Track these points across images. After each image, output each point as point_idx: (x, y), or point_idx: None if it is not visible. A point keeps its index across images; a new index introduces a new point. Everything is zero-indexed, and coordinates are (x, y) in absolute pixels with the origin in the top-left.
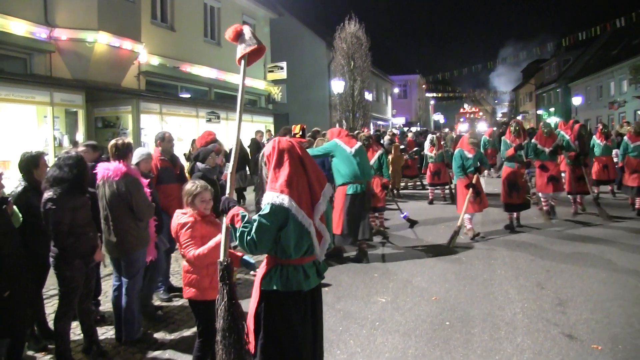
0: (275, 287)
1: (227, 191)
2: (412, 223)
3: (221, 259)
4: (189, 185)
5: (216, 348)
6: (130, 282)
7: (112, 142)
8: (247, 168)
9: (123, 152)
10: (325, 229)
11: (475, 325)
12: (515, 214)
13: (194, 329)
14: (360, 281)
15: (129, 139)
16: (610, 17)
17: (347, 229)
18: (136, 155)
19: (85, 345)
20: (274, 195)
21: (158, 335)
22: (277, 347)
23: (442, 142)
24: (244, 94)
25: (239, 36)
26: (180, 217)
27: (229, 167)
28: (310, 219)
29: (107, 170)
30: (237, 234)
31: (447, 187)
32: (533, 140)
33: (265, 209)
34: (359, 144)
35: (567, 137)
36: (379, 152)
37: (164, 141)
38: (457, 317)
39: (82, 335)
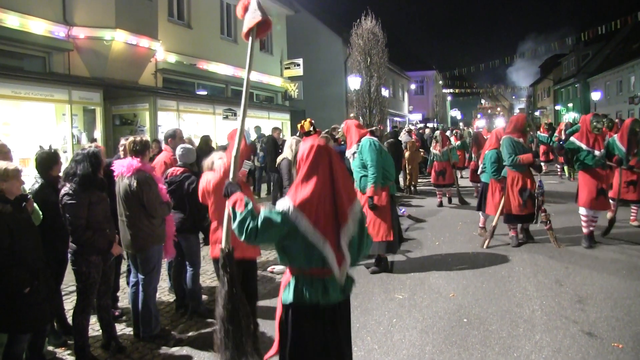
0: (291, 300)
1: (231, 175)
2: (416, 221)
3: (223, 245)
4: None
5: (214, 337)
6: (146, 278)
7: (130, 139)
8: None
9: (140, 149)
10: (347, 251)
11: (493, 323)
12: (519, 226)
13: (209, 328)
14: (377, 278)
15: (147, 137)
16: (631, 10)
17: (396, 235)
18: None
19: (104, 340)
20: (291, 207)
21: (176, 331)
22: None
23: (455, 138)
24: (250, 70)
25: (246, 11)
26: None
27: (247, 164)
28: (325, 238)
29: (122, 166)
30: (239, 218)
31: (452, 188)
32: (572, 139)
33: (278, 212)
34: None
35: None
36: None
37: (175, 139)
38: (474, 314)
39: (100, 331)
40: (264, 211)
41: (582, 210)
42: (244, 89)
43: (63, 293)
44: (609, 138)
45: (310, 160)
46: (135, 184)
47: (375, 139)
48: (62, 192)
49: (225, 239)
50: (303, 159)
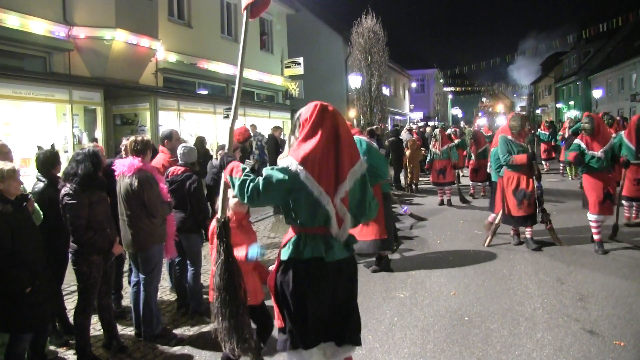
0: (292, 255)
1: (227, 146)
2: (418, 219)
3: (219, 215)
4: None
5: (211, 307)
6: (147, 278)
7: (132, 138)
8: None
9: (141, 149)
10: (347, 211)
11: (494, 321)
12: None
13: (212, 326)
14: (378, 277)
15: (148, 136)
16: (633, 7)
17: (391, 232)
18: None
19: (106, 340)
20: (293, 163)
21: (177, 331)
22: (286, 314)
23: (454, 136)
24: (245, 50)
25: None
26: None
27: (248, 164)
28: (328, 196)
29: (123, 166)
30: (238, 183)
31: (451, 187)
32: (577, 141)
33: (280, 168)
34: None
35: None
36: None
37: (172, 140)
38: (476, 312)
39: (102, 330)
40: (264, 173)
41: (591, 216)
42: (238, 70)
43: (64, 293)
44: (614, 136)
45: (313, 119)
46: (136, 184)
47: (364, 137)
48: (63, 192)
49: (222, 208)
50: (307, 118)
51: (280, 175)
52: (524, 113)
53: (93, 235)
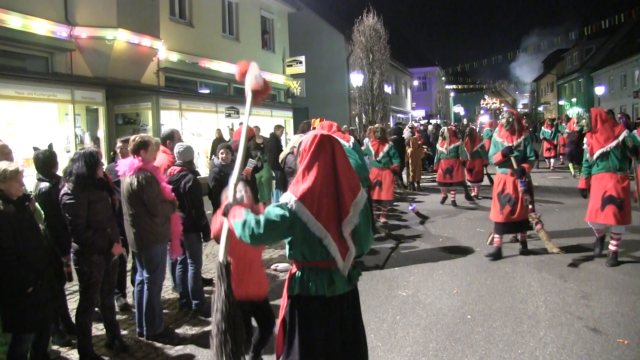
0: (297, 292)
1: (230, 198)
2: (423, 218)
3: (221, 259)
4: None
5: (210, 341)
6: (150, 277)
7: (131, 138)
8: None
9: (135, 149)
10: (351, 242)
11: (497, 319)
12: (512, 236)
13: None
14: (380, 275)
15: (147, 135)
16: (635, 3)
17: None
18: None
19: (108, 340)
20: (292, 199)
21: (179, 330)
22: (297, 355)
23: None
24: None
25: (244, 75)
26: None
27: (251, 163)
28: (327, 231)
29: (125, 166)
30: (240, 227)
31: (456, 188)
32: (585, 147)
33: (280, 205)
34: (352, 139)
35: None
36: (388, 144)
37: (173, 140)
38: (478, 310)
39: (104, 330)
40: (264, 213)
41: (590, 224)
42: (242, 133)
43: (67, 292)
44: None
45: (312, 150)
46: (135, 183)
47: (346, 141)
48: (62, 191)
49: (224, 251)
50: (305, 149)
51: (280, 212)
52: (526, 110)
53: (92, 234)
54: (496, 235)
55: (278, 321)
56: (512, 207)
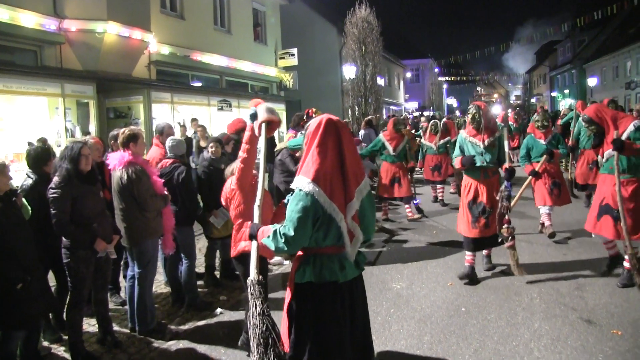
0: (308, 279)
1: (256, 219)
2: (421, 214)
3: (252, 277)
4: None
5: (250, 357)
6: (142, 272)
7: (120, 131)
8: None
9: (124, 142)
10: (358, 227)
11: (491, 311)
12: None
13: (208, 320)
14: (374, 268)
15: (137, 128)
16: None
17: None
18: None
19: (100, 335)
20: (305, 181)
21: (172, 325)
22: (309, 342)
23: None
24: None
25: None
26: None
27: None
28: (342, 213)
29: (115, 159)
30: (272, 240)
31: (443, 186)
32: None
33: (298, 196)
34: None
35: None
36: (405, 139)
37: (164, 134)
38: (473, 302)
39: (97, 325)
40: (287, 216)
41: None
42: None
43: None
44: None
45: (321, 133)
46: (125, 177)
47: None
48: (49, 186)
49: (255, 268)
50: (312, 132)
51: (300, 205)
52: (519, 102)
53: (76, 229)
54: (468, 253)
55: (283, 312)
56: (488, 219)
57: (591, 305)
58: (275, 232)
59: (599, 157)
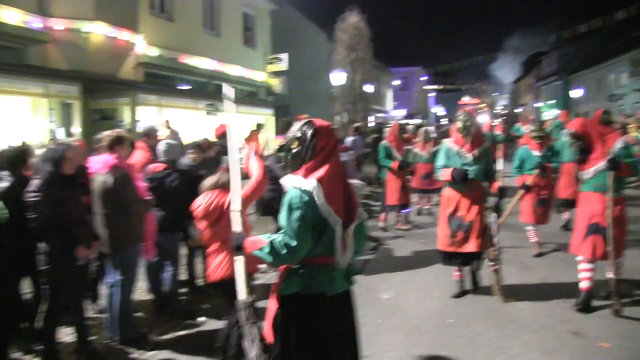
0: (295, 290)
1: (237, 227)
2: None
3: (242, 298)
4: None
5: None
6: (124, 279)
7: (106, 134)
8: None
9: (110, 145)
10: (352, 238)
11: (480, 323)
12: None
13: (189, 330)
14: (361, 278)
15: (123, 131)
16: (611, 9)
17: None
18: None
19: (78, 345)
20: (305, 181)
21: (153, 334)
22: (295, 357)
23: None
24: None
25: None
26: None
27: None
28: (339, 217)
29: (98, 163)
30: (267, 250)
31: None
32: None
33: (294, 198)
34: None
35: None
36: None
37: (150, 137)
38: (461, 314)
39: (74, 334)
40: (284, 224)
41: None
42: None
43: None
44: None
45: (333, 142)
46: (110, 181)
47: None
48: (28, 189)
49: (244, 290)
50: (315, 136)
51: (297, 214)
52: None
53: (57, 235)
54: (454, 267)
55: (266, 326)
56: (466, 233)
57: (579, 317)
58: (271, 246)
59: (582, 172)
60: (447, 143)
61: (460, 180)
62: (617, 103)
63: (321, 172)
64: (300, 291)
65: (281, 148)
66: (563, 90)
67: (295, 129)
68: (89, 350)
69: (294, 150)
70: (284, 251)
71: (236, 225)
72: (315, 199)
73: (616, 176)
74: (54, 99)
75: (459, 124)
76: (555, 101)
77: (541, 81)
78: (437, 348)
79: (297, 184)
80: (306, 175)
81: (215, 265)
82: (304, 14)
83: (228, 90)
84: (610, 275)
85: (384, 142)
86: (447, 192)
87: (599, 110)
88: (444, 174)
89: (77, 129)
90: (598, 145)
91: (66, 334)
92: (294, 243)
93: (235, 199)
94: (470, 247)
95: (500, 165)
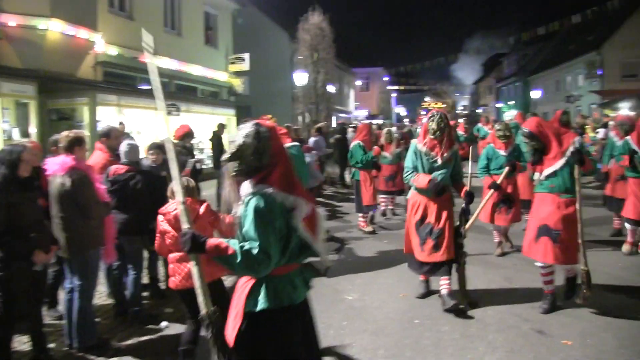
0: (264, 306)
1: (184, 224)
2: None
3: (203, 312)
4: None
5: None
6: (83, 284)
7: (63, 134)
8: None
9: (68, 146)
10: (310, 235)
11: (445, 323)
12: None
13: (151, 335)
14: (325, 279)
15: (81, 132)
16: (569, 12)
17: None
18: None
19: (34, 354)
20: (259, 185)
21: (114, 340)
22: None
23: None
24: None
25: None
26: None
27: (190, 163)
28: (305, 201)
29: (55, 165)
30: (238, 259)
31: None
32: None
33: (257, 200)
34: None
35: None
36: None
37: (110, 138)
38: (426, 314)
39: (29, 343)
40: (245, 228)
41: (539, 262)
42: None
43: None
44: (618, 140)
45: (277, 141)
46: (69, 183)
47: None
48: None
49: (204, 300)
50: (269, 138)
51: (263, 203)
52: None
53: (11, 240)
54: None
55: (229, 341)
56: (436, 241)
57: (542, 316)
58: (246, 252)
59: (536, 174)
60: (416, 144)
61: (434, 195)
62: (575, 104)
63: (278, 173)
64: (270, 306)
65: (235, 155)
66: (523, 91)
67: (245, 134)
68: (46, 359)
69: (250, 157)
70: (252, 258)
71: (183, 221)
72: (280, 200)
73: (578, 170)
74: (7, 98)
75: (433, 125)
76: (514, 102)
77: (501, 82)
78: (403, 349)
79: (259, 191)
80: (265, 180)
81: (185, 274)
82: (266, 14)
83: (147, 37)
84: (580, 267)
85: (357, 142)
86: (414, 197)
87: (558, 111)
88: (419, 182)
89: (33, 129)
90: (554, 146)
91: (22, 343)
92: (267, 252)
93: (177, 188)
94: (440, 256)
95: (469, 167)
